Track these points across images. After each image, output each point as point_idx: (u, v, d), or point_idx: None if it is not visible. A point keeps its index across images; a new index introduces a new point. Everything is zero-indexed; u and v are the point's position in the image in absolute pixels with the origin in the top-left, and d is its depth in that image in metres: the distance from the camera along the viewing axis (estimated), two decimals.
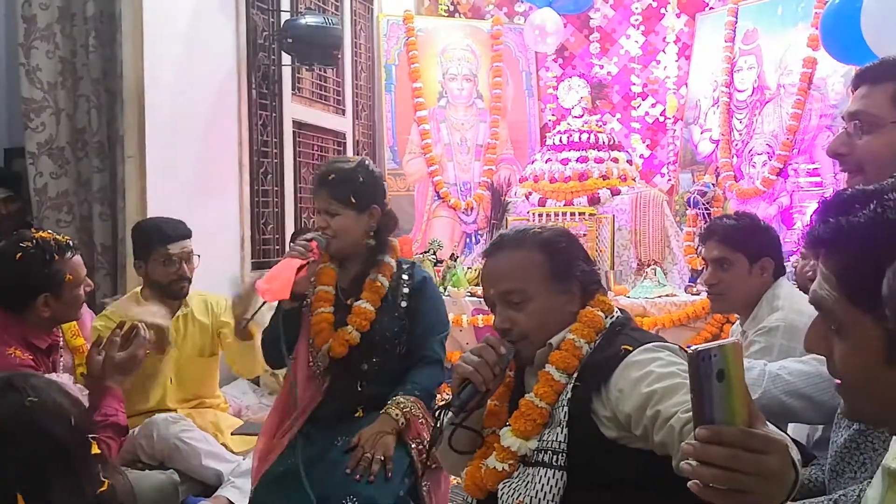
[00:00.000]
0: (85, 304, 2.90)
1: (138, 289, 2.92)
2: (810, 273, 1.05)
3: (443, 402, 1.60)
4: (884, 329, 0.86)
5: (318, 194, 2.26)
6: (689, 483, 0.87)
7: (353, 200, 2.23)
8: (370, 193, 2.27)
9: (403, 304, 2.29)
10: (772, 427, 0.90)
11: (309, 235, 2.24)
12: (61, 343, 2.38)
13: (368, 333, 2.23)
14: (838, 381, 0.94)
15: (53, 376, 1.75)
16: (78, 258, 2.22)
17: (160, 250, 2.78)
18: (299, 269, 2.16)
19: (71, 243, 2.21)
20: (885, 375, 0.87)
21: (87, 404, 1.81)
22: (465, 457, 1.70)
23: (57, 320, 2.23)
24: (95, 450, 1.12)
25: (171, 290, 2.82)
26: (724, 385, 0.84)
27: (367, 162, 2.33)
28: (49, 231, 2.22)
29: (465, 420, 1.61)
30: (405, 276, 2.31)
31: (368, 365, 2.25)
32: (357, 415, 2.22)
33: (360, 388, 2.25)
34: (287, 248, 3.67)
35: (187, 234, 2.86)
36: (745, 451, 0.84)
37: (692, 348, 0.85)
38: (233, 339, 2.84)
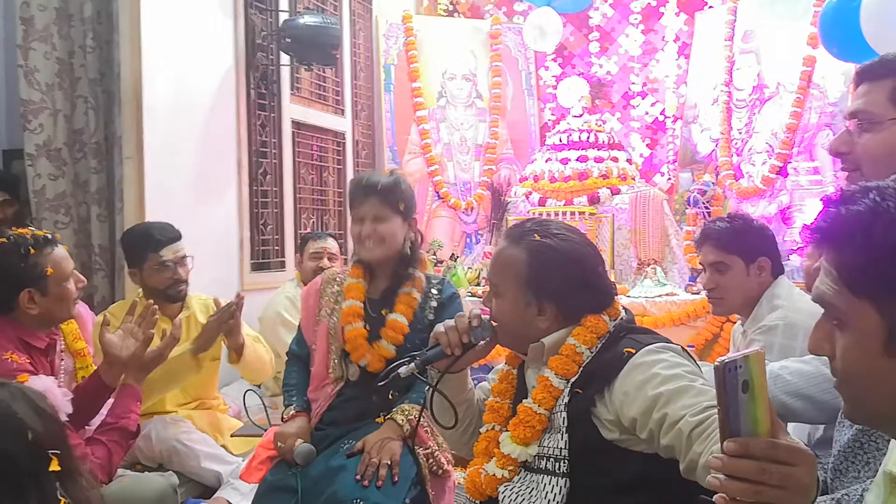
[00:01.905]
0: (86, 306, 2.90)
1: (139, 293, 2.90)
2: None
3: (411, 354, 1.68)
4: (883, 319, 0.85)
5: (367, 201, 2.27)
6: (716, 497, 0.86)
7: (401, 208, 2.28)
8: (411, 204, 2.34)
9: (430, 317, 2.30)
10: (794, 438, 0.89)
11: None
12: (63, 346, 2.37)
13: (399, 346, 2.23)
14: (836, 382, 0.93)
15: (37, 380, 1.71)
16: (61, 251, 2.17)
17: (153, 256, 2.77)
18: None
19: (51, 237, 2.16)
20: (885, 367, 0.86)
21: (68, 410, 1.77)
22: (455, 434, 1.76)
23: (50, 318, 2.19)
24: (55, 466, 1.07)
25: (169, 294, 2.81)
26: (749, 396, 0.84)
27: (401, 173, 2.42)
28: (30, 227, 2.17)
29: (439, 381, 1.66)
30: (434, 291, 2.34)
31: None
32: (378, 420, 2.22)
33: (390, 398, 2.24)
34: (304, 258, 3.70)
35: (178, 237, 2.84)
36: (773, 463, 0.83)
37: (718, 360, 0.84)
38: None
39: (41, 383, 1.64)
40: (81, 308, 2.56)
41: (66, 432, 1.19)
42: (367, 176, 2.37)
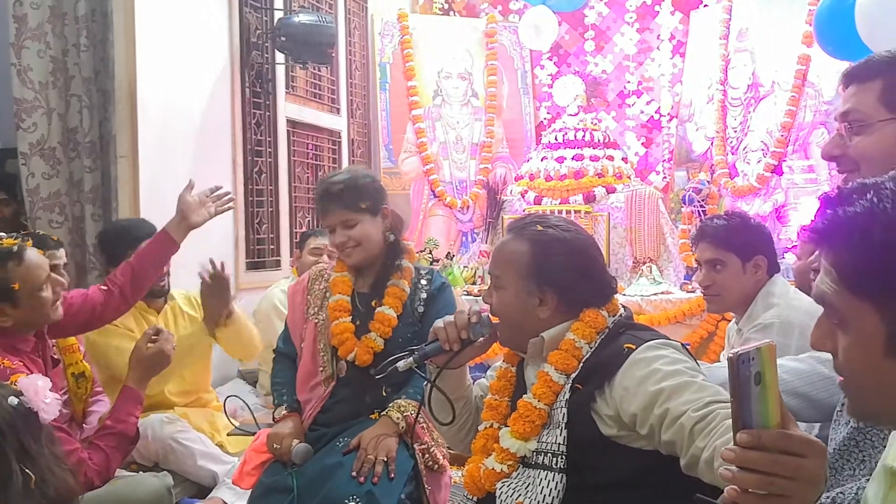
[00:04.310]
0: None
1: None
2: (815, 264, 1.04)
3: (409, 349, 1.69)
4: (883, 319, 0.85)
5: (329, 211, 2.22)
6: (727, 489, 0.86)
7: (364, 206, 2.22)
8: (376, 195, 2.28)
9: (420, 309, 2.27)
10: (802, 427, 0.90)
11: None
12: (53, 342, 2.35)
13: (387, 339, 2.21)
14: (841, 378, 0.93)
15: (26, 381, 1.68)
16: (31, 260, 2.07)
17: (131, 253, 2.72)
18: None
19: (15, 248, 2.05)
20: (887, 368, 0.86)
21: (53, 413, 1.75)
22: (452, 430, 1.76)
23: (28, 325, 2.12)
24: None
25: (153, 289, 2.75)
26: (761, 388, 0.84)
27: (358, 168, 2.34)
28: None
29: (437, 377, 1.67)
30: (423, 282, 2.31)
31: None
32: (373, 417, 2.20)
33: (384, 394, 2.22)
34: (304, 254, 3.67)
35: (154, 231, 2.81)
36: (785, 454, 0.83)
37: (731, 352, 0.84)
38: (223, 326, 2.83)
39: (29, 383, 1.62)
40: None
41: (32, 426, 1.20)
42: (325, 184, 2.29)
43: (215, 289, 2.76)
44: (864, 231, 0.85)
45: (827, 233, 0.89)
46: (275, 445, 2.18)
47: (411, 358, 1.64)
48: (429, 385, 1.71)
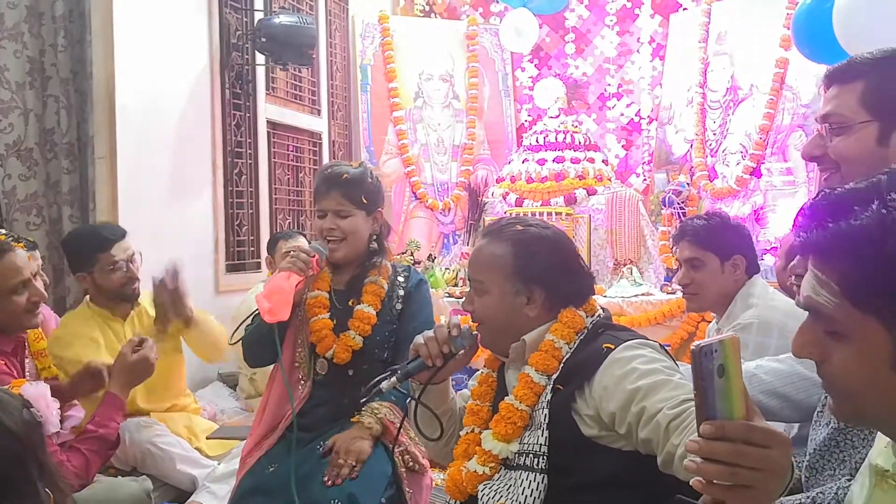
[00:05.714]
0: (49, 308, 2.84)
1: (86, 300, 2.81)
2: (800, 270, 1.02)
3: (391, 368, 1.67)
4: (889, 333, 0.84)
5: (328, 195, 2.21)
6: (693, 480, 0.86)
7: (365, 201, 2.21)
8: (377, 196, 2.27)
9: (398, 307, 2.26)
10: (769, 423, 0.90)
11: (310, 247, 2.19)
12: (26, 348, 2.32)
13: (366, 338, 2.20)
14: (825, 382, 0.92)
15: (30, 387, 1.66)
16: (4, 264, 2.04)
17: (104, 257, 2.67)
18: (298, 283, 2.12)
19: None
20: (891, 380, 0.85)
21: (55, 423, 1.73)
22: (439, 444, 1.75)
23: (5, 328, 2.10)
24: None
25: (125, 293, 2.72)
26: (724, 380, 0.84)
27: (370, 166, 2.34)
28: None
29: (422, 394, 1.66)
30: (401, 279, 2.29)
31: (355, 370, 2.20)
32: (353, 420, 2.18)
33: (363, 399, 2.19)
34: (277, 259, 3.63)
35: (125, 234, 2.76)
36: (749, 445, 0.83)
37: (694, 345, 0.84)
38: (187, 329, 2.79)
39: (38, 392, 1.59)
40: (45, 310, 2.51)
41: (43, 439, 1.18)
42: (332, 167, 2.28)
43: (172, 295, 2.67)
44: (873, 245, 0.82)
45: (828, 245, 0.86)
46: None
47: (394, 377, 1.61)
48: (414, 402, 1.68)
